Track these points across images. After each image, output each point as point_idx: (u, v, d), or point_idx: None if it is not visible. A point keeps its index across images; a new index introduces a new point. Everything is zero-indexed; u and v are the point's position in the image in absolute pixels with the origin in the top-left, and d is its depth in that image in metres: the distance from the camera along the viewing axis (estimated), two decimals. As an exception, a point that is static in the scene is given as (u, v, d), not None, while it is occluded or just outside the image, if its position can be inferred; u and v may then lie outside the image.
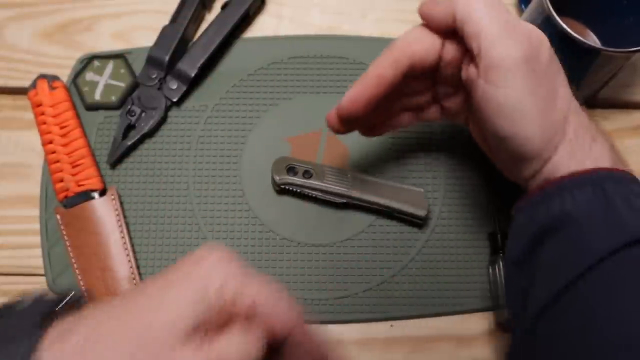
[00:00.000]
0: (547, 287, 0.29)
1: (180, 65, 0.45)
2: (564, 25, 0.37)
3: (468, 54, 0.31)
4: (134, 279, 0.40)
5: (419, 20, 0.49)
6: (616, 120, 0.45)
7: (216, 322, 0.23)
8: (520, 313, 0.31)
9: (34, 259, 0.42)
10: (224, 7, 0.47)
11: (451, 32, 0.31)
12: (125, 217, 0.42)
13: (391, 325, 0.41)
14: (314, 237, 0.42)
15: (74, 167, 0.42)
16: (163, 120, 0.45)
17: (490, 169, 0.43)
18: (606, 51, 0.37)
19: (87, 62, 0.46)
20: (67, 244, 0.41)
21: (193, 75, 0.45)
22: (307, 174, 0.42)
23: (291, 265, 0.42)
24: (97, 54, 0.47)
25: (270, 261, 0.42)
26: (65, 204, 0.42)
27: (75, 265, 0.41)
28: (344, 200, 0.42)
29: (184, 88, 0.45)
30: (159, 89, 0.45)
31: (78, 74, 0.46)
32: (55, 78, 0.45)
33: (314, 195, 0.42)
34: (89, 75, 0.46)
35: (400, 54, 0.32)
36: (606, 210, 0.28)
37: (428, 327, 0.41)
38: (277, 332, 0.24)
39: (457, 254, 0.42)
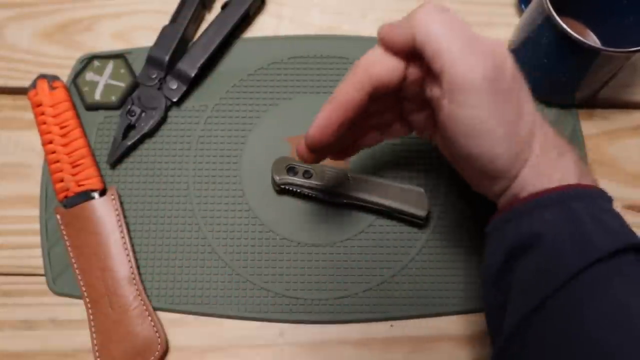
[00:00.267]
0: (519, 307, 0.29)
1: (180, 65, 0.45)
2: (564, 25, 0.37)
3: (431, 73, 0.31)
4: (133, 279, 0.40)
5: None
6: (616, 120, 0.45)
7: None
8: (498, 332, 0.31)
9: (34, 259, 0.42)
10: (224, 7, 0.47)
11: (413, 53, 0.31)
12: (125, 217, 0.42)
13: (391, 325, 0.41)
14: (314, 237, 0.42)
15: (74, 167, 0.42)
16: (163, 120, 0.45)
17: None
18: (606, 51, 0.37)
19: (87, 62, 0.46)
20: (67, 244, 0.41)
21: (193, 75, 0.45)
22: (307, 174, 0.42)
23: (291, 265, 0.42)
24: (97, 54, 0.47)
25: (270, 261, 0.42)
26: (65, 204, 0.42)
27: (75, 265, 0.41)
28: (344, 200, 0.42)
29: (184, 88, 0.45)
30: (159, 89, 0.45)
31: (78, 74, 0.46)
32: (55, 78, 0.45)
33: (314, 195, 0.42)
34: (89, 75, 0.46)
35: (363, 77, 0.31)
36: (575, 229, 0.28)
37: (428, 327, 0.41)
38: None
39: (457, 254, 0.42)
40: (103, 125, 0.45)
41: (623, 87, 0.46)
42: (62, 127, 0.43)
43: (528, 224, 0.29)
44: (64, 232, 0.41)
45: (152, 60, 0.45)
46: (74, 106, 0.45)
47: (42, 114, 0.43)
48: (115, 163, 0.44)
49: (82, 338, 0.40)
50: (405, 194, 0.41)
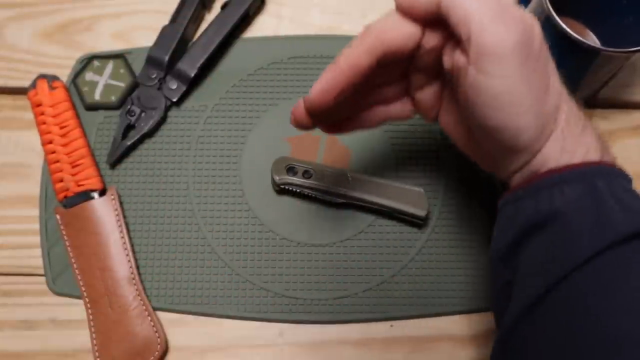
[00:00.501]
0: (533, 285, 0.28)
1: (180, 65, 0.45)
2: (564, 26, 0.37)
3: (452, 41, 0.29)
4: (133, 279, 0.40)
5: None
6: (616, 120, 0.45)
7: None
8: (503, 311, 0.30)
9: (34, 259, 0.42)
10: (224, 7, 0.47)
11: (433, 19, 0.29)
12: (125, 217, 0.42)
13: (391, 325, 0.41)
14: (314, 237, 0.42)
15: (73, 167, 0.42)
16: (163, 120, 0.45)
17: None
18: (606, 51, 0.37)
19: (87, 62, 0.46)
20: (67, 244, 0.41)
21: (193, 75, 0.45)
22: (306, 174, 0.42)
23: (291, 265, 0.42)
24: (97, 54, 0.47)
25: (270, 261, 0.42)
26: (65, 204, 0.42)
27: (75, 265, 0.41)
28: (344, 200, 0.42)
29: (184, 88, 0.45)
30: (159, 89, 0.45)
31: (78, 74, 0.46)
32: (55, 78, 0.45)
33: (313, 196, 0.42)
34: (89, 75, 0.46)
35: (375, 41, 0.29)
36: (596, 208, 0.27)
37: (428, 327, 0.41)
38: None
39: (457, 254, 0.42)
40: (103, 125, 0.45)
41: (623, 87, 0.46)
42: (61, 127, 0.43)
43: (547, 200, 0.28)
44: (64, 232, 0.41)
45: (152, 60, 0.45)
46: (74, 106, 0.45)
47: (42, 114, 0.43)
48: (115, 163, 0.44)
49: (82, 338, 0.40)
50: (405, 194, 0.41)
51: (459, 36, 0.28)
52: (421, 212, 0.41)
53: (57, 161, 0.42)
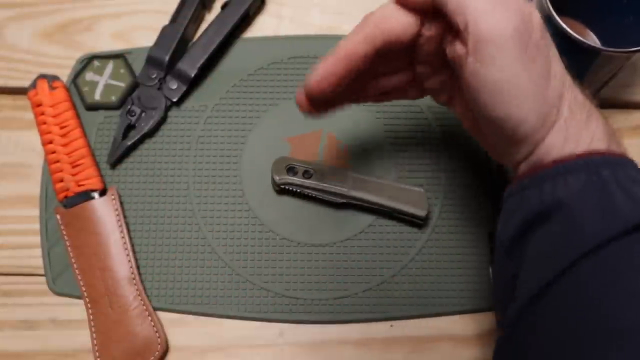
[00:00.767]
0: (537, 276, 0.28)
1: (180, 65, 0.45)
2: (564, 25, 0.37)
3: (451, 30, 0.29)
4: (133, 279, 0.40)
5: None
6: (616, 120, 0.45)
7: None
8: (507, 304, 0.29)
9: (34, 259, 0.42)
10: (224, 7, 0.47)
11: (431, 9, 0.29)
12: (125, 217, 0.42)
13: (391, 325, 0.41)
14: (314, 237, 0.42)
15: (74, 167, 0.42)
16: (163, 120, 0.45)
17: (490, 169, 0.43)
18: (606, 51, 0.37)
19: (87, 62, 0.46)
20: (67, 244, 0.41)
21: (193, 75, 0.45)
22: (307, 174, 0.42)
23: (291, 265, 0.42)
24: (97, 54, 0.47)
25: (270, 261, 0.42)
26: (65, 204, 0.42)
27: (75, 265, 0.41)
28: (344, 200, 0.42)
29: (184, 88, 0.45)
30: (159, 89, 0.45)
31: (78, 74, 0.46)
32: (55, 78, 0.45)
33: (314, 195, 0.42)
34: (89, 75, 0.46)
35: (374, 30, 0.29)
36: (601, 198, 0.26)
37: (428, 327, 0.41)
38: None
39: (457, 254, 0.42)
40: (103, 125, 0.45)
41: (623, 87, 0.46)
42: (62, 127, 0.43)
43: (550, 190, 0.27)
44: (64, 232, 0.41)
45: (152, 60, 0.45)
46: (74, 106, 0.45)
47: (42, 114, 0.43)
48: (115, 163, 0.44)
49: (82, 338, 0.40)
50: (405, 194, 0.41)
51: (456, 26, 0.28)
52: (421, 212, 0.41)
53: (58, 161, 0.42)
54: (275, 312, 0.41)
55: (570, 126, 0.28)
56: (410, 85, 0.35)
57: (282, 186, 0.42)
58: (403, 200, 0.41)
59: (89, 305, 0.40)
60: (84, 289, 0.40)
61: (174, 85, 0.45)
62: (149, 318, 0.40)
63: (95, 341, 0.39)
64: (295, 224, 0.43)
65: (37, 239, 0.42)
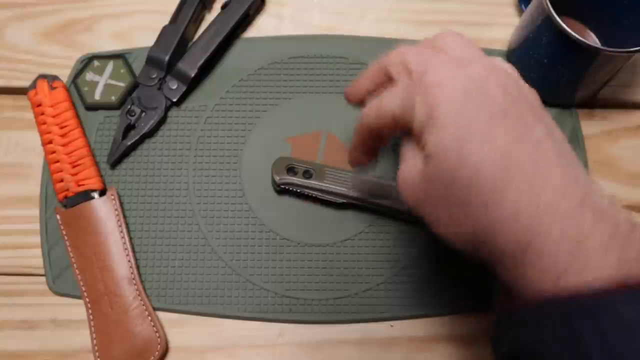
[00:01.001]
0: None
1: (180, 65, 0.45)
2: (564, 25, 0.37)
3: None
4: (133, 279, 0.40)
5: (418, 20, 0.49)
6: (616, 120, 0.45)
7: None
8: None
9: (34, 259, 0.42)
10: (224, 7, 0.47)
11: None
12: (125, 217, 0.42)
13: (391, 325, 0.41)
14: (314, 237, 0.42)
15: (74, 167, 0.42)
16: (163, 120, 0.45)
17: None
18: (606, 51, 0.37)
19: (87, 62, 0.46)
20: (67, 244, 0.41)
21: (193, 75, 0.45)
22: (307, 174, 0.42)
23: (291, 265, 0.42)
24: (97, 54, 0.47)
25: (270, 261, 0.42)
26: (65, 204, 0.42)
27: (75, 265, 0.41)
28: (344, 200, 0.42)
29: (184, 88, 0.45)
30: (159, 89, 0.45)
31: (78, 74, 0.46)
32: (55, 78, 0.45)
33: (314, 196, 0.42)
34: (89, 75, 0.46)
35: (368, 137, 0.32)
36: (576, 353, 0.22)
37: (428, 327, 0.40)
38: None
39: (457, 253, 0.42)
40: (103, 125, 0.45)
41: (623, 87, 0.46)
42: (62, 127, 0.43)
43: (525, 333, 0.24)
44: (64, 232, 0.41)
45: (152, 60, 0.45)
46: (74, 106, 0.45)
47: (42, 114, 0.43)
48: (115, 163, 0.44)
49: (82, 338, 0.40)
50: (405, 194, 0.41)
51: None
52: (421, 212, 0.41)
53: (57, 161, 0.42)
54: (275, 312, 0.41)
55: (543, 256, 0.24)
56: None
57: (282, 186, 0.42)
58: (403, 200, 0.41)
59: (89, 305, 0.40)
60: (84, 289, 0.40)
61: (174, 85, 0.45)
62: (149, 318, 0.40)
63: (95, 341, 0.39)
64: (295, 224, 0.43)
65: (37, 239, 0.42)
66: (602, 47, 0.38)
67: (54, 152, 0.42)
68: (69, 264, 0.41)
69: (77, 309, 0.40)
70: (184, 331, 0.40)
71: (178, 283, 0.41)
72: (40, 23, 0.48)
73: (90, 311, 0.40)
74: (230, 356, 0.40)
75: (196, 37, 0.47)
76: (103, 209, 0.42)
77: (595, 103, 0.46)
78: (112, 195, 0.42)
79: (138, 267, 0.41)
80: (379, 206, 0.41)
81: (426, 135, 0.27)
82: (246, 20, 0.48)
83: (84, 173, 0.42)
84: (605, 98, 0.46)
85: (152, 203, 0.43)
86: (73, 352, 0.40)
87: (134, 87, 0.45)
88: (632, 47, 0.37)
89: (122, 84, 0.45)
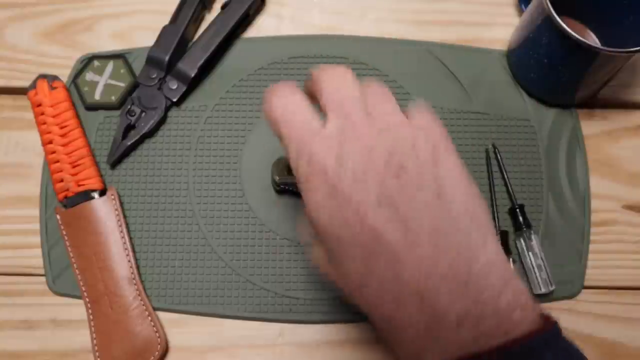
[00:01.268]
0: None
1: (180, 65, 0.45)
2: (564, 25, 0.37)
3: None
4: (133, 279, 0.40)
5: (418, 20, 0.49)
6: (616, 120, 0.45)
7: None
8: None
9: (34, 259, 0.42)
10: (224, 7, 0.47)
11: None
12: (125, 217, 0.42)
13: (391, 325, 0.41)
14: (314, 237, 0.42)
15: (74, 167, 0.42)
16: (163, 120, 0.45)
17: (489, 169, 0.43)
18: (606, 51, 0.37)
19: (87, 62, 0.46)
20: (67, 244, 0.41)
21: (193, 75, 0.45)
22: (307, 174, 0.42)
23: (291, 265, 0.42)
24: (97, 54, 0.47)
25: (270, 261, 0.42)
26: (65, 204, 0.42)
27: (75, 265, 0.41)
28: (344, 200, 0.42)
29: (184, 88, 0.45)
30: (159, 89, 0.45)
31: (78, 74, 0.46)
32: (55, 78, 0.45)
33: (314, 195, 0.42)
34: (89, 75, 0.46)
35: None
36: None
37: (428, 327, 0.40)
38: None
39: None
40: (103, 125, 0.45)
41: (623, 87, 0.46)
42: (62, 127, 0.43)
43: None
44: (64, 232, 0.41)
45: (152, 60, 0.45)
46: (74, 106, 0.45)
47: (42, 114, 0.43)
48: (115, 163, 0.44)
49: (82, 338, 0.40)
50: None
51: None
52: (421, 212, 0.41)
53: (57, 161, 0.42)
54: (275, 312, 0.41)
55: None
56: None
57: (282, 186, 0.42)
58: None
59: (89, 305, 0.40)
60: (83, 289, 0.40)
61: (174, 85, 0.45)
62: (149, 318, 0.40)
63: (95, 341, 0.39)
64: (295, 224, 0.42)
65: (37, 239, 0.42)
66: (602, 47, 0.38)
67: (54, 152, 0.42)
68: (69, 264, 0.41)
69: (77, 309, 0.40)
70: (184, 331, 0.40)
71: (178, 283, 0.41)
72: (40, 23, 0.48)
73: (90, 311, 0.40)
74: (230, 356, 0.40)
75: (196, 37, 0.47)
76: (103, 209, 0.42)
77: (595, 103, 0.46)
78: (112, 195, 0.42)
79: (138, 267, 0.41)
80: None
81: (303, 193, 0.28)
82: (246, 20, 0.48)
83: (84, 173, 0.42)
84: (605, 98, 0.46)
85: (152, 203, 0.43)
86: (73, 352, 0.40)
87: (134, 87, 0.45)
88: (632, 47, 0.37)
89: (122, 84, 0.45)
